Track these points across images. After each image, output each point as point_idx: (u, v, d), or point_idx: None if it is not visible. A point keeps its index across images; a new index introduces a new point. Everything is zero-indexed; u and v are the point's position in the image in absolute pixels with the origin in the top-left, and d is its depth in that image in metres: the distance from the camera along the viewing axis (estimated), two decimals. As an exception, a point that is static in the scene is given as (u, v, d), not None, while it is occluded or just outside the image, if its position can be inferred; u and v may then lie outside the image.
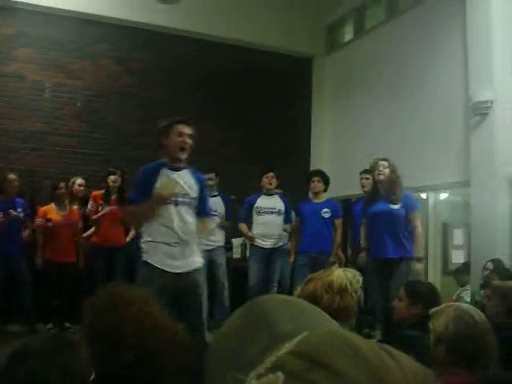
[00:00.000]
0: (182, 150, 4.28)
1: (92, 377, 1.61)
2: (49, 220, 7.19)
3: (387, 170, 5.83)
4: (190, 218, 4.34)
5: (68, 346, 1.63)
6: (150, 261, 4.23)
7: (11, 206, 7.02)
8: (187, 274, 4.27)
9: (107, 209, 7.43)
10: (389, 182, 5.81)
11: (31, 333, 6.69)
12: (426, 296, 3.44)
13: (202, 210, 4.47)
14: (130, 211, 4.47)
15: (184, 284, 4.25)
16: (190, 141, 4.31)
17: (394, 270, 5.60)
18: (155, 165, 4.37)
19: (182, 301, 4.23)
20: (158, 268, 4.19)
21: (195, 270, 4.35)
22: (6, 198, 7.05)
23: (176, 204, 4.26)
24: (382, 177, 5.84)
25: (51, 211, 7.27)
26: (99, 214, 7.43)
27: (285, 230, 7.52)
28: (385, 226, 5.76)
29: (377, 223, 5.85)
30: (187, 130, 4.31)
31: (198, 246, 4.49)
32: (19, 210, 7.09)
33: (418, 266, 5.73)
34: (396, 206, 5.76)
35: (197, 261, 4.39)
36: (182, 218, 4.29)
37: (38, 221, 7.21)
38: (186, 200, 4.32)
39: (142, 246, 4.33)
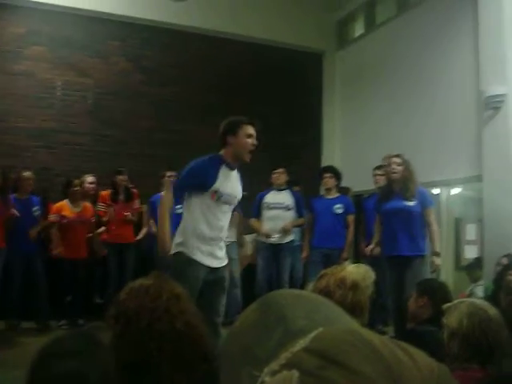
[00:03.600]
0: (249, 152, 4.32)
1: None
2: (63, 217, 7.22)
3: (400, 168, 5.76)
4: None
5: (100, 343, 1.63)
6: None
7: (28, 204, 7.06)
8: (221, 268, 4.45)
9: (112, 210, 7.50)
10: (402, 178, 5.76)
11: (45, 330, 6.75)
12: (436, 293, 3.43)
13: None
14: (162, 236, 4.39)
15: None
16: (255, 143, 4.36)
17: (407, 268, 5.57)
18: (216, 160, 4.34)
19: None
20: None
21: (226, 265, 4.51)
22: (21, 196, 7.09)
23: (228, 203, 4.40)
24: (395, 175, 5.78)
25: (65, 208, 7.29)
26: (109, 217, 7.50)
27: (284, 229, 7.41)
28: (399, 224, 5.71)
29: (391, 220, 5.80)
30: (254, 131, 4.36)
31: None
32: (36, 208, 7.12)
33: (437, 261, 5.69)
34: (411, 203, 5.70)
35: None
36: (227, 218, 4.46)
37: (52, 216, 7.24)
38: (236, 202, 4.49)
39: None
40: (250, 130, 4.32)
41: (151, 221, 7.69)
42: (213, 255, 4.34)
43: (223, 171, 4.31)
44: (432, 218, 5.80)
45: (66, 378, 1.45)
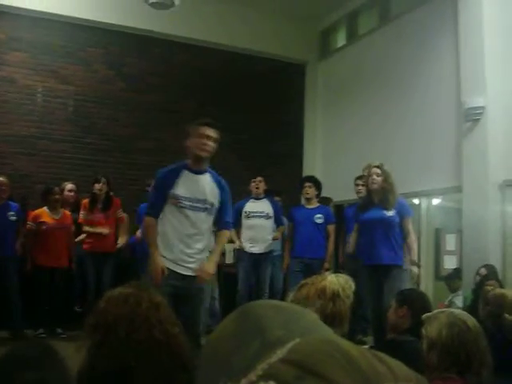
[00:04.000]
0: (203, 150, 4.30)
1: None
2: (42, 223, 7.13)
3: (380, 179, 5.75)
4: (205, 225, 4.40)
5: (58, 353, 1.61)
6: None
7: (3, 209, 6.98)
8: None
9: (98, 230, 7.39)
10: (382, 189, 5.76)
11: (20, 339, 6.52)
12: (416, 303, 3.44)
13: (220, 220, 4.52)
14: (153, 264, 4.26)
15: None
16: (212, 143, 4.33)
17: (386, 277, 5.58)
18: (175, 167, 4.40)
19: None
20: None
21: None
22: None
23: (191, 209, 4.31)
24: (375, 186, 5.78)
25: (44, 215, 7.20)
26: (91, 230, 7.39)
27: (274, 238, 7.44)
28: (379, 233, 5.71)
29: (371, 230, 5.80)
30: (211, 132, 4.33)
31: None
32: (11, 213, 7.04)
33: (415, 270, 5.70)
34: (390, 213, 5.71)
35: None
36: (195, 224, 4.34)
37: (29, 224, 7.16)
38: (205, 206, 4.36)
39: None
40: (204, 130, 4.31)
41: (138, 230, 7.64)
42: (180, 263, 4.30)
43: (186, 176, 4.33)
44: (410, 227, 5.83)
45: None
